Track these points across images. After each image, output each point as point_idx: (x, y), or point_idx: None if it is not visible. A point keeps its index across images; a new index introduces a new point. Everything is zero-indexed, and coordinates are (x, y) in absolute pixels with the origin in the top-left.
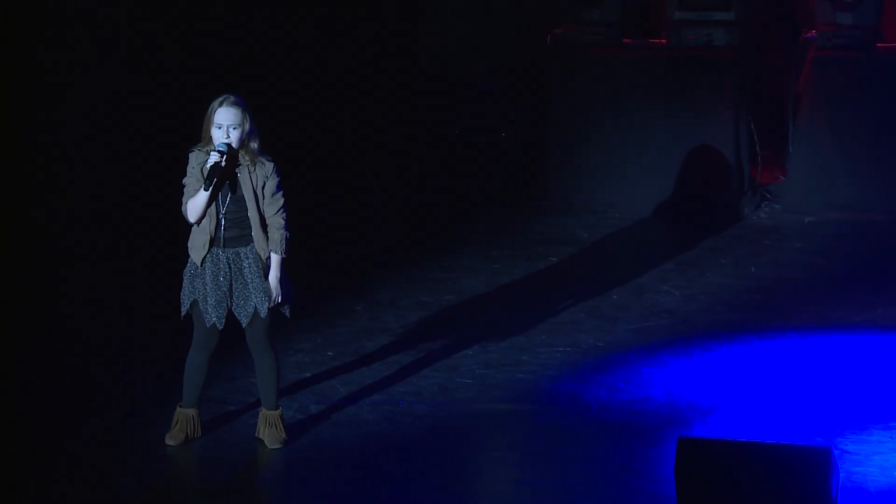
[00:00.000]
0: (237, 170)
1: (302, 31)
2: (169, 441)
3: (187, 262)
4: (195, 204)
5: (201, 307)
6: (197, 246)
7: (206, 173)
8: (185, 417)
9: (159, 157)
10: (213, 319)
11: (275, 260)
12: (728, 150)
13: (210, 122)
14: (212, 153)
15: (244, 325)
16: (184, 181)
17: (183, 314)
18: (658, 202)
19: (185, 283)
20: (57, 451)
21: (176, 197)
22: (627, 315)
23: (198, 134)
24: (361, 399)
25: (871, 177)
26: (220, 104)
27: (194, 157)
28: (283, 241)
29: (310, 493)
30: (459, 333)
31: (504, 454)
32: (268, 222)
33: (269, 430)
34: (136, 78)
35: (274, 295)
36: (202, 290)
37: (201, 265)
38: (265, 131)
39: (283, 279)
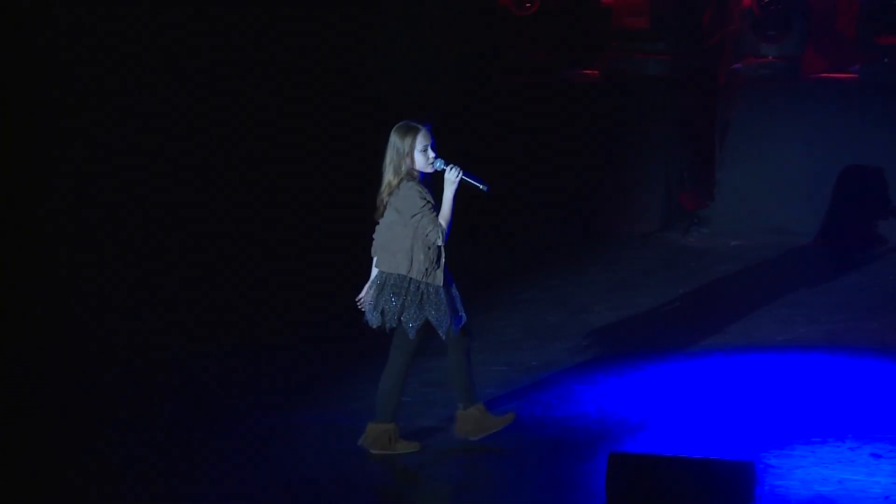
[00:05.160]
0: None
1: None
2: (409, 449)
3: (407, 283)
4: (448, 215)
5: (434, 324)
6: (436, 267)
7: (451, 184)
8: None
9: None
10: (451, 326)
11: None
12: (657, 176)
13: (412, 149)
14: (452, 167)
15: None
16: (416, 214)
17: (413, 336)
18: (592, 228)
19: (412, 303)
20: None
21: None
22: (563, 335)
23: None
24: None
25: (795, 202)
26: (417, 129)
27: (416, 188)
28: None
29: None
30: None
31: (440, 469)
32: None
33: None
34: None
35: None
36: (436, 308)
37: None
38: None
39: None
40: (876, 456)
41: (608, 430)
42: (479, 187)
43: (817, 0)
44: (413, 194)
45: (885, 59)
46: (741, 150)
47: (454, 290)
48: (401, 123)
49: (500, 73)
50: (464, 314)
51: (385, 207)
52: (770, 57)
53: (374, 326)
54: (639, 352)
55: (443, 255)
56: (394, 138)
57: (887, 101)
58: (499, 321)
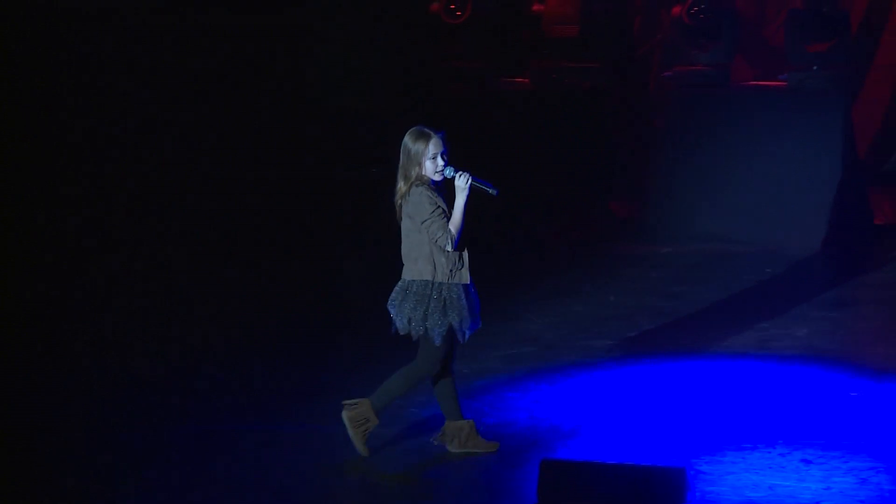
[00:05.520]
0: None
1: None
2: (362, 450)
3: (430, 290)
4: (458, 221)
5: (456, 328)
6: (461, 266)
7: (462, 191)
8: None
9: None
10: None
11: None
12: (588, 184)
13: (421, 156)
14: (461, 173)
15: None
16: (426, 220)
17: (439, 342)
18: (524, 236)
19: (435, 310)
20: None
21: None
22: (494, 342)
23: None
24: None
25: (725, 208)
26: (429, 136)
27: (426, 193)
28: None
29: None
30: (335, 360)
31: (376, 478)
32: None
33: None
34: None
35: None
36: (458, 313)
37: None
38: None
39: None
40: (806, 462)
41: (540, 437)
42: (488, 191)
43: (746, 9)
44: (423, 200)
45: (815, 67)
46: (672, 158)
47: (473, 294)
48: (414, 128)
49: (431, 81)
50: (479, 320)
51: (401, 213)
52: (700, 65)
53: (403, 334)
54: (570, 359)
55: (466, 253)
56: (406, 143)
57: (816, 107)
58: None
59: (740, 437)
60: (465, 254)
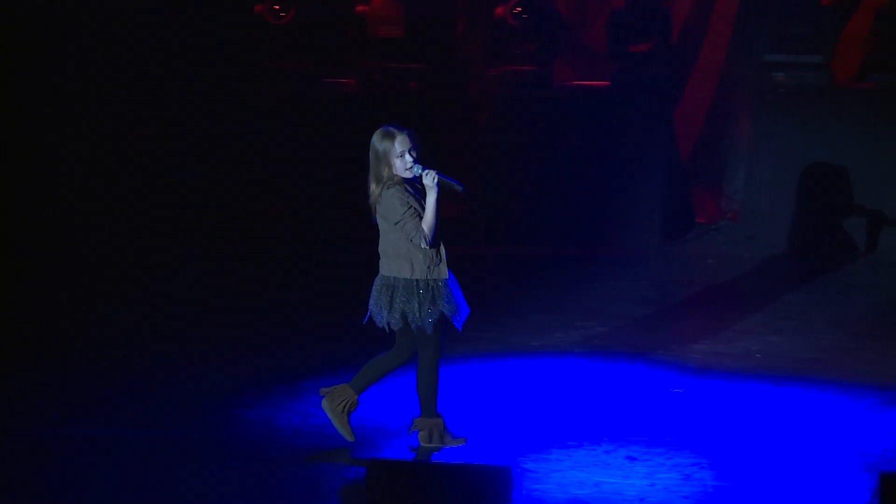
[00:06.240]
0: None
1: None
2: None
3: (416, 283)
4: (431, 220)
5: (448, 316)
6: (438, 261)
7: (431, 189)
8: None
9: None
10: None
11: None
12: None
13: (390, 154)
14: (427, 172)
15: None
16: (399, 221)
17: (430, 331)
18: (354, 238)
19: (425, 300)
20: None
21: None
22: (320, 343)
23: None
24: None
25: (553, 209)
26: (394, 135)
27: (397, 194)
28: None
29: None
30: (165, 361)
31: (202, 483)
32: None
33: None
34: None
35: None
36: (447, 301)
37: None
38: None
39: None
40: (631, 459)
41: (367, 438)
42: (454, 187)
43: (568, 10)
44: (394, 202)
45: (637, 67)
46: (498, 159)
47: (454, 283)
48: (380, 129)
49: (258, 81)
50: (467, 307)
51: (375, 214)
52: (523, 65)
53: (396, 329)
54: None
55: (443, 249)
56: (373, 144)
57: (638, 108)
58: (258, 327)
59: (566, 435)
60: (443, 249)
